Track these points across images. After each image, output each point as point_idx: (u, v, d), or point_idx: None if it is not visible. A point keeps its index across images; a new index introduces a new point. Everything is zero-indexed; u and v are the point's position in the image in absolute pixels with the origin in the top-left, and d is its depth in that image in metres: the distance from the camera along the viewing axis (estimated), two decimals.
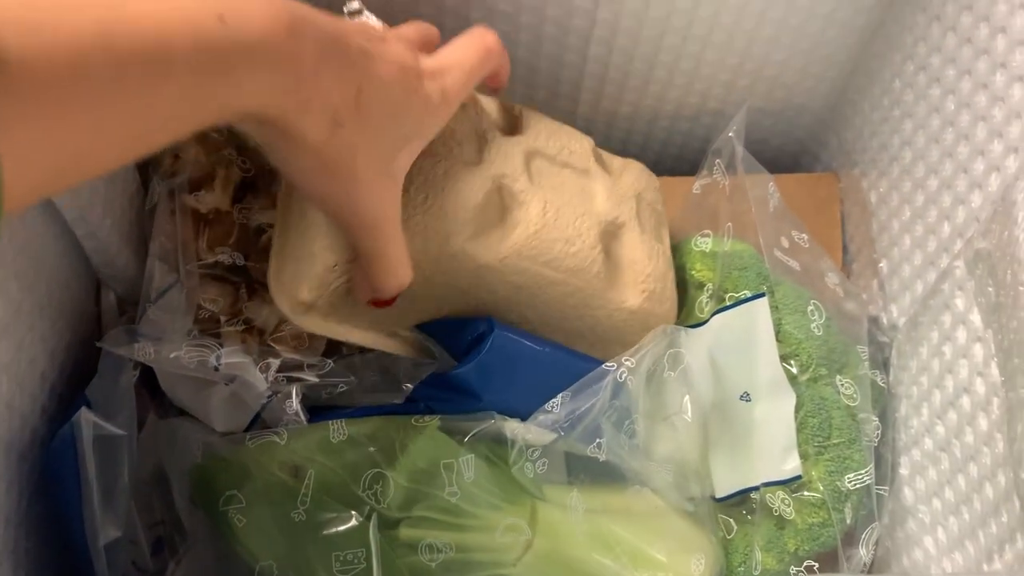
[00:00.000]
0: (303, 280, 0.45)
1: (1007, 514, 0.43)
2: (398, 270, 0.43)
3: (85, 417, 0.43)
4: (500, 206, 0.48)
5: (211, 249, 0.54)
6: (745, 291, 0.54)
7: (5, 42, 0.23)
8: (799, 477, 0.52)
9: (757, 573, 0.52)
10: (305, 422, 0.50)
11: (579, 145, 0.54)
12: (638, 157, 0.58)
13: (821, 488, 0.51)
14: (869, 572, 0.54)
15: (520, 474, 0.48)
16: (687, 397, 0.52)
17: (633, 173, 0.57)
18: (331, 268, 0.44)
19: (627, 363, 0.50)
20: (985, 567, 0.45)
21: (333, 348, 0.54)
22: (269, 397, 0.50)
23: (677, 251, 0.58)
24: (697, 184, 0.60)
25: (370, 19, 0.46)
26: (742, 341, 0.54)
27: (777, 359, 0.53)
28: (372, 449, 0.47)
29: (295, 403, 0.51)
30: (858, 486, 0.52)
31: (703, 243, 0.58)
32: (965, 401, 0.48)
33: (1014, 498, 0.42)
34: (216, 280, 0.54)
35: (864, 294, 0.60)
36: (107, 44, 0.26)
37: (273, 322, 0.53)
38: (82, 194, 0.46)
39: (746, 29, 0.59)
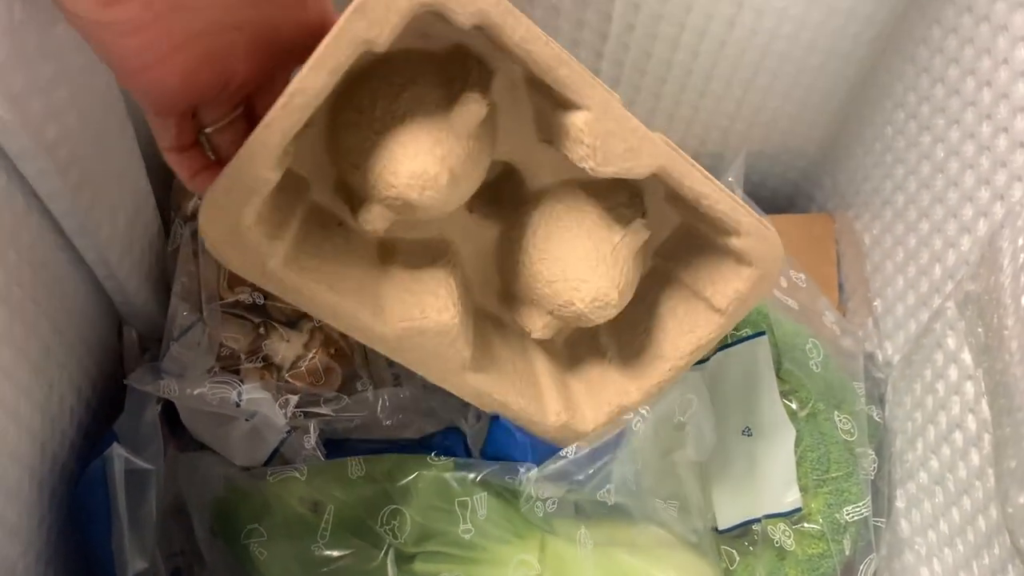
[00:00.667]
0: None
1: (999, 546, 0.45)
2: None
3: (117, 452, 0.44)
4: None
5: (232, 289, 0.55)
6: (746, 329, 0.56)
7: None
8: (799, 509, 0.53)
9: None
10: (322, 457, 0.52)
11: None
12: None
13: (820, 520, 0.53)
14: None
15: (530, 513, 0.50)
16: (690, 434, 0.54)
17: None
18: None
19: (643, 411, 0.51)
20: None
21: (348, 385, 0.56)
22: (288, 433, 0.52)
23: None
24: None
25: None
26: (744, 378, 0.56)
27: (777, 395, 0.55)
28: (389, 486, 0.48)
29: (313, 438, 0.52)
30: (856, 518, 0.53)
31: None
32: (958, 436, 0.50)
33: (1006, 531, 0.44)
34: (236, 319, 0.55)
35: (859, 332, 0.62)
36: None
37: (290, 359, 0.55)
38: (101, 237, 0.48)
39: (743, 78, 0.62)
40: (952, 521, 0.50)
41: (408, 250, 0.50)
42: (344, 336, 0.56)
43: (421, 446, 0.52)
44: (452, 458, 0.49)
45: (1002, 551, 0.44)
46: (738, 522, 0.55)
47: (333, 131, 0.45)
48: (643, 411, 0.51)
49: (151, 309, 0.56)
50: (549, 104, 0.44)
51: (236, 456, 0.52)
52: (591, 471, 0.49)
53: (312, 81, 0.38)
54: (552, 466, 0.49)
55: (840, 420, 0.55)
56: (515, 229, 0.50)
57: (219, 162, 0.41)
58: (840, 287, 0.67)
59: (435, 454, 0.49)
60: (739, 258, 0.46)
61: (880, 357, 0.61)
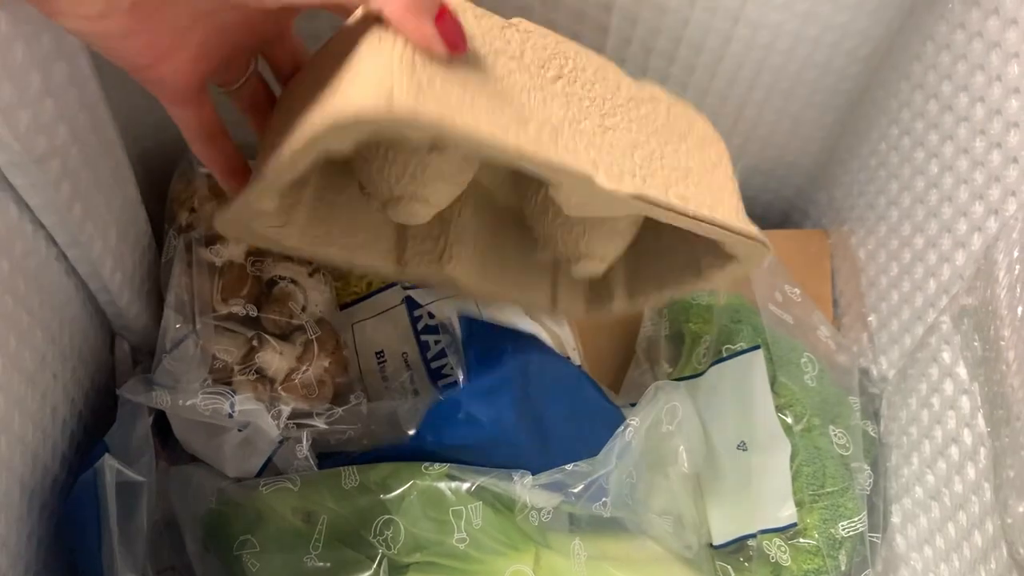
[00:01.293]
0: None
1: (995, 561, 0.45)
2: None
3: (108, 463, 0.44)
4: None
5: (225, 301, 0.55)
6: (741, 343, 0.56)
7: None
8: (795, 524, 0.53)
9: None
10: (315, 466, 0.51)
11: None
12: None
13: (816, 535, 0.53)
14: None
15: (525, 523, 0.50)
16: (683, 448, 0.54)
17: None
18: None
19: (633, 422, 0.51)
20: None
21: (341, 397, 0.56)
22: (280, 442, 0.52)
23: (676, 304, 0.60)
24: None
25: None
26: (739, 392, 0.56)
27: (773, 410, 0.55)
28: (382, 496, 0.48)
29: (305, 448, 0.52)
30: (852, 533, 0.53)
31: (700, 296, 0.60)
32: (953, 451, 0.50)
33: (1002, 545, 0.44)
34: (229, 331, 0.55)
35: (854, 347, 0.62)
36: None
37: (284, 372, 0.55)
38: (94, 250, 0.48)
39: (738, 93, 0.62)
40: (948, 536, 0.50)
41: None
42: (344, 345, 0.57)
43: (415, 453, 0.51)
44: (446, 465, 0.49)
45: (999, 566, 0.44)
46: (733, 538, 0.55)
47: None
48: (633, 421, 0.51)
49: (144, 322, 0.56)
50: None
51: (228, 467, 0.52)
52: (586, 483, 0.49)
53: (272, 179, 0.39)
54: (547, 477, 0.49)
55: (835, 435, 0.55)
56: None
57: (257, 114, 0.45)
58: (835, 302, 0.67)
59: (430, 464, 0.49)
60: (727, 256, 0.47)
61: (875, 372, 0.61)
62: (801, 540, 0.53)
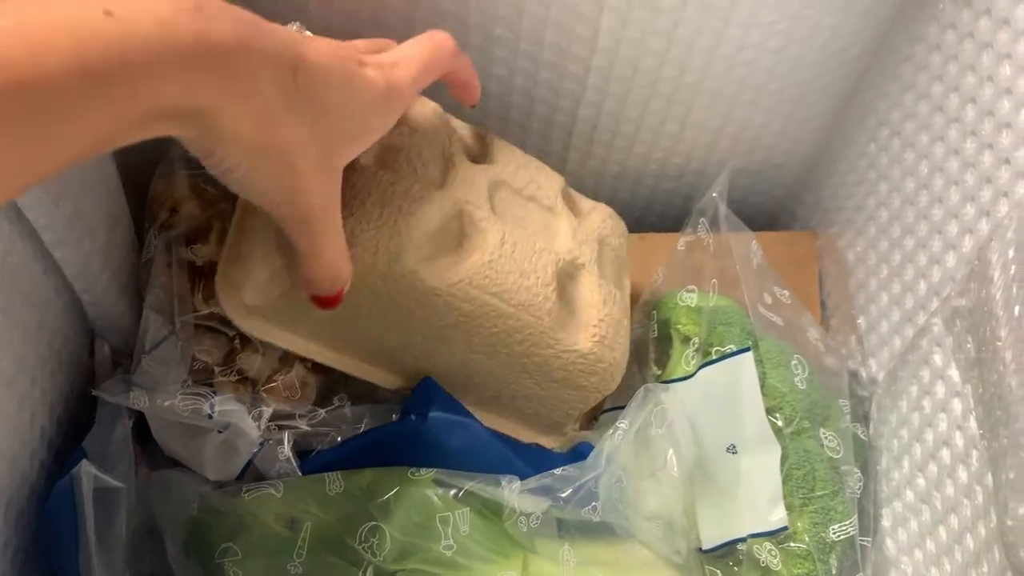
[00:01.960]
0: (247, 283, 0.45)
1: (987, 565, 0.44)
2: (336, 263, 0.41)
3: (85, 470, 0.43)
4: (458, 232, 0.48)
5: (206, 301, 0.54)
6: (731, 345, 0.56)
7: None
8: (785, 528, 0.53)
9: None
10: (296, 467, 0.50)
11: (547, 181, 0.54)
12: (624, 212, 0.60)
13: (807, 539, 0.52)
14: None
15: (513, 528, 0.49)
16: (671, 452, 0.53)
17: (599, 216, 0.57)
18: (276, 272, 0.45)
19: (622, 425, 0.51)
20: None
21: (324, 399, 0.55)
22: (261, 444, 0.51)
23: (663, 305, 0.60)
24: (682, 241, 0.61)
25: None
26: (728, 395, 0.55)
27: (763, 412, 0.54)
28: (368, 502, 0.47)
29: (287, 449, 0.51)
30: (842, 537, 0.53)
31: (689, 298, 0.59)
32: (945, 454, 0.49)
33: (994, 549, 0.43)
34: (210, 332, 0.54)
35: (843, 349, 0.62)
36: None
37: (266, 373, 0.54)
38: (83, 247, 0.47)
39: (728, 94, 0.61)
40: (939, 540, 0.49)
41: None
42: None
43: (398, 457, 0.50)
44: (432, 470, 0.48)
45: (991, 570, 0.44)
46: (723, 541, 0.54)
47: None
48: (622, 425, 0.51)
49: (126, 323, 0.55)
50: None
51: (209, 470, 0.51)
52: (575, 487, 0.48)
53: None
54: (536, 481, 0.48)
55: (826, 437, 0.55)
56: None
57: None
58: (823, 304, 0.67)
59: (416, 469, 0.48)
60: None
61: (864, 375, 0.61)
62: (791, 544, 0.53)
